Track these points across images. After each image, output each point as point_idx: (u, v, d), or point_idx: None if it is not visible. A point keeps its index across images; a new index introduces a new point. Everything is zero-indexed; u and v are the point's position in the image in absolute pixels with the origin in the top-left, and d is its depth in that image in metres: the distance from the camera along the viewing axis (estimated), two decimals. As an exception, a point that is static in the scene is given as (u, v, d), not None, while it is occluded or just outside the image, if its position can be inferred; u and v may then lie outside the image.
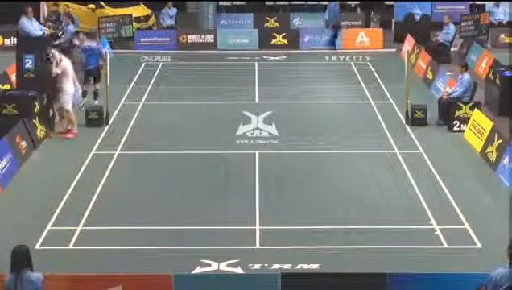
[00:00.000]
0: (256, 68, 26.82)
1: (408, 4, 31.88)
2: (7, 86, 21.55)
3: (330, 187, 16.15)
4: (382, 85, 24.13)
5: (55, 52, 19.42)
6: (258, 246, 13.40)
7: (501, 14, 30.47)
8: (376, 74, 25.72)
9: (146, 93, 23.39)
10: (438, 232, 13.80)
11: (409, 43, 27.57)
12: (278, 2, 34.86)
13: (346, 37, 29.88)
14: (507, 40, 29.36)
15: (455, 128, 19.47)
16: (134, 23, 30.01)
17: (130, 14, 30.11)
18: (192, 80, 24.89)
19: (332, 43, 29.62)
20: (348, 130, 19.73)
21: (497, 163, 16.74)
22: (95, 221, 14.33)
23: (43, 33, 25.52)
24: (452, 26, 27.60)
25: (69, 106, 19.14)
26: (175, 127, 20.08)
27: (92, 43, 22.34)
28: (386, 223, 14.21)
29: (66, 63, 19.21)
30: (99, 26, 28.45)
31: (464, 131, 19.18)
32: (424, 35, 29.00)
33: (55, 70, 19.04)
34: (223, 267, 12.52)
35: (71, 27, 26.96)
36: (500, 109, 20.77)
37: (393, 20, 31.52)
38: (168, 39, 30.18)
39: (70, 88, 19.18)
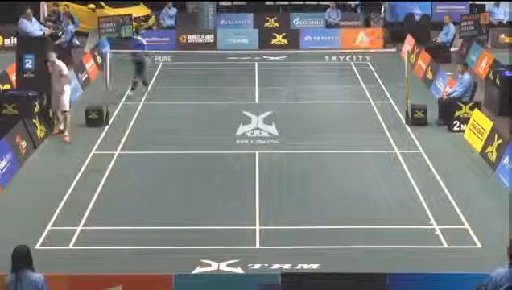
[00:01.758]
0: (256, 68, 26.83)
1: (408, 4, 31.89)
2: (7, 86, 21.56)
3: (330, 187, 16.15)
4: (382, 85, 24.15)
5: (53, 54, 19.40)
6: (258, 246, 13.40)
7: (501, 14, 30.49)
8: (376, 74, 25.74)
9: (146, 93, 23.39)
10: (438, 232, 13.80)
11: (409, 43, 27.58)
12: (278, 2, 34.88)
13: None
14: (507, 40, 29.38)
15: (455, 128, 19.47)
16: (134, 23, 30.03)
17: (130, 14, 30.12)
18: (192, 80, 24.88)
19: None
20: (348, 130, 19.73)
21: (497, 163, 16.74)
22: (95, 221, 14.33)
23: (43, 33, 25.53)
24: (451, 27, 27.62)
25: (68, 108, 19.11)
26: (175, 127, 20.08)
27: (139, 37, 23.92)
28: (386, 223, 14.21)
29: (61, 64, 19.09)
30: (99, 26, 28.48)
31: (464, 131, 19.19)
32: (424, 35, 29.00)
33: (65, 73, 18.95)
34: (223, 267, 12.52)
35: (71, 27, 27.00)
36: (500, 109, 20.77)
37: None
38: (168, 39, 30.19)
39: (68, 89, 19.17)
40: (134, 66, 23.05)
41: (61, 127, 19.34)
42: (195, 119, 20.89)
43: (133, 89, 22.90)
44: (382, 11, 31.43)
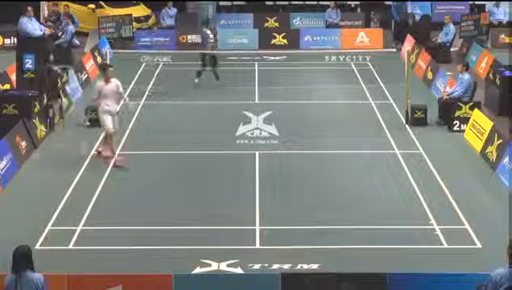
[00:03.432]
0: (256, 68, 26.83)
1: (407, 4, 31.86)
2: (7, 86, 21.57)
3: (330, 187, 16.15)
4: (382, 85, 24.15)
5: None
6: (258, 246, 13.40)
7: (501, 14, 30.49)
8: (376, 74, 25.74)
9: (146, 93, 23.40)
10: (438, 232, 13.80)
11: (409, 43, 27.58)
12: (278, 2, 34.88)
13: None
14: (507, 40, 29.39)
15: (455, 128, 19.48)
16: (134, 23, 30.04)
17: (130, 14, 30.14)
18: (192, 80, 24.85)
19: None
20: (348, 130, 19.73)
21: (497, 163, 16.74)
22: (95, 221, 14.33)
23: (43, 33, 25.56)
24: (451, 27, 27.62)
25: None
26: (175, 127, 20.08)
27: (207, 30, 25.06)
28: (386, 223, 14.20)
29: (118, 82, 17.44)
30: (99, 26, 28.48)
31: (464, 131, 19.19)
32: (424, 35, 28.99)
33: (121, 90, 17.45)
34: (223, 267, 12.52)
35: (71, 27, 27.02)
36: (500, 109, 20.78)
37: (393, 20, 31.51)
38: (168, 39, 30.19)
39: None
40: (207, 59, 23.89)
41: (108, 152, 17.52)
42: (195, 119, 20.89)
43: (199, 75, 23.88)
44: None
